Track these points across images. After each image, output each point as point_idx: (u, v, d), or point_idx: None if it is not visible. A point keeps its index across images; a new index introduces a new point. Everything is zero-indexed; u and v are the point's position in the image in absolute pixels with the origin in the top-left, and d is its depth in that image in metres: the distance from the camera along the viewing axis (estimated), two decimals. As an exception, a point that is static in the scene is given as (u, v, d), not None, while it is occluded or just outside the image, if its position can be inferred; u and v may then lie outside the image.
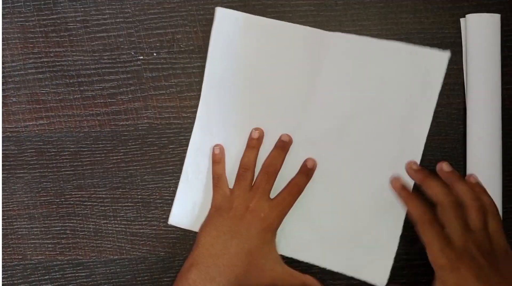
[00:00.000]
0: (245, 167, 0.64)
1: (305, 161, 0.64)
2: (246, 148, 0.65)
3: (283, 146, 0.64)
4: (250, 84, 0.65)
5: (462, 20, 0.63)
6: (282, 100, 0.65)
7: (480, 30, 0.62)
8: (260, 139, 0.65)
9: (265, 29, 0.65)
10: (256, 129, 0.64)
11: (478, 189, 0.59)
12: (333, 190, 0.65)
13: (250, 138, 0.65)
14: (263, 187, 0.63)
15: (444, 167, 0.61)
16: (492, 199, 0.58)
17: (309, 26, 0.64)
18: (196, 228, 0.65)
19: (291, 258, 0.65)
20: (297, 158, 0.65)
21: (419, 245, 0.58)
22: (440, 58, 0.63)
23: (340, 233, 0.64)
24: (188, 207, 0.66)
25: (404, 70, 0.63)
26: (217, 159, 0.65)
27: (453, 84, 0.64)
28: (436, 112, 0.64)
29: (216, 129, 0.66)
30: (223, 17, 0.65)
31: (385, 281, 0.63)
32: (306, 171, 0.64)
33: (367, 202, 0.64)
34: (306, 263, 0.65)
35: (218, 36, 0.65)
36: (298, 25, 0.64)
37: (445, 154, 0.65)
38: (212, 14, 0.65)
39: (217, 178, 0.65)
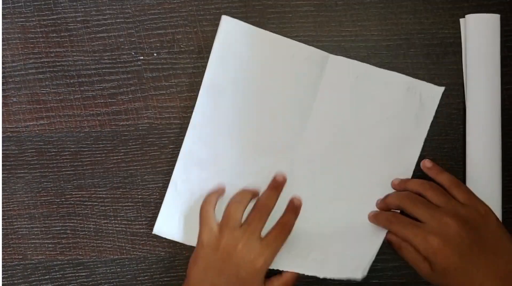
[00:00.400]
0: (240, 201, 0.63)
1: (291, 200, 0.64)
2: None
3: (277, 186, 0.64)
4: (249, 97, 0.65)
5: (461, 20, 0.64)
6: (278, 117, 0.65)
7: (479, 30, 0.62)
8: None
9: (269, 44, 0.65)
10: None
11: (434, 171, 0.61)
12: (323, 207, 0.65)
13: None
14: (254, 226, 0.60)
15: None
16: (450, 177, 0.60)
17: (309, 26, 0.65)
18: (181, 240, 0.65)
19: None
20: (291, 176, 0.65)
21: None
22: (435, 92, 0.63)
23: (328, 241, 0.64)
24: (175, 217, 0.65)
25: (400, 100, 0.64)
26: (209, 200, 0.63)
27: (453, 84, 0.64)
28: (436, 112, 0.64)
29: (209, 140, 0.65)
30: (228, 26, 0.64)
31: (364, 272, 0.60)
32: (294, 209, 0.64)
33: (355, 220, 0.64)
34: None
35: (220, 45, 0.64)
36: (301, 44, 0.64)
37: (445, 154, 0.65)
38: (212, 14, 0.65)
39: (205, 212, 0.62)
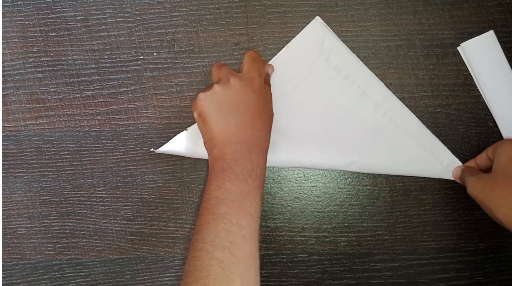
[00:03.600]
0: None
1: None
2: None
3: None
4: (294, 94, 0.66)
5: (459, 48, 0.64)
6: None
7: (481, 54, 0.63)
8: None
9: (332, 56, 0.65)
10: None
11: None
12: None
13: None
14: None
15: None
16: None
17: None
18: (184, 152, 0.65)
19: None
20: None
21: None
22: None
23: None
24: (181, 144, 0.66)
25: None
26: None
27: (452, 85, 0.64)
28: (435, 113, 0.65)
29: None
30: (316, 27, 0.65)
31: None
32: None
33: None
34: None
35: (300, 40, 0.66)
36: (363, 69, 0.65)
37: (445, 154, 0.65)
38: (212, 14, 0.65)
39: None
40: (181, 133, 0.65)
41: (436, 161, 0.64)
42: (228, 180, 0.53)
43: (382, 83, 0.65)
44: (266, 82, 0.63)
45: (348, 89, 0.65)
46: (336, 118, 0.65)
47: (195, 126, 0.65)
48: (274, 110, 0.62)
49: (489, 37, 0.63)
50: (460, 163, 0.64)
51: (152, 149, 0.66)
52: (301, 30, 0.65)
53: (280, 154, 0.65)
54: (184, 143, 0.65)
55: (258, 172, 0.55)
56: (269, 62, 0.65)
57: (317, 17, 0.65)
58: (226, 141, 0.56)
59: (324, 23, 0.65)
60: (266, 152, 0.58)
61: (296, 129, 0.65)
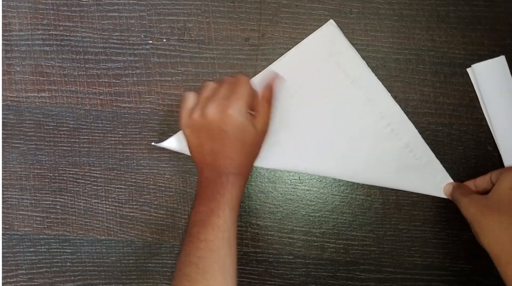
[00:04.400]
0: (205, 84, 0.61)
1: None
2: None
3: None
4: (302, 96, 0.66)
5: (469, 70, 0.64)
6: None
7: (490, 78, 0.63)
8: None
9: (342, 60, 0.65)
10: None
11: None
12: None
13: None
14: (222, 91, 0.59)
15: None
16: None
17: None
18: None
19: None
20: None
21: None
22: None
23: None
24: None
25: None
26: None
27: (457, 105, 0.64)
28: (436, 131, 0.65)
29: None
30: (329, 29, 0.65)
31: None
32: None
33: None
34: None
35: (310, 42, 0.65)
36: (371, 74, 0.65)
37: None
38: (226, 7, 0.65)
39: (186, 97, 0.61)
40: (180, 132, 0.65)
41: (429, 176, 0.65)
42: (201, 204, 0.57)
43: (389, 94, 0.65)
44: (257, 105, 0.61)
45: (353, 95, 0.65)
46: (337, 123, 0.65)
47: None
48: (276, 108, 0.62)
49: (500, 61, 0.63)
50: (451, 180, 0.64)
51: (153, 143, 0.65)
52: (312, 32, 0.65)
53: (278, 155, 0.65)
54: (184, 143, 0.64)
55: (229, 188, 0.57)
56: (277, 60, 0.65)
57: (331, 20, 0.65)
58: (202, 168, 0.59)
59: (338, 27, 0.65)
60: (242, 177, 0.59)
61: (297, 130, 0.65)
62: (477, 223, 0.56)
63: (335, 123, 0.65)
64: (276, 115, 0.63)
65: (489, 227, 0.55)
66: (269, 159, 0.64)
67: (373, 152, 0.65)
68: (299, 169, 0.65)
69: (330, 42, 0.65)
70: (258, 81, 0.64)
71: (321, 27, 0.65)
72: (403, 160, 0.65)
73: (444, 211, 0.65)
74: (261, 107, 0.60)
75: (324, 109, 0.65)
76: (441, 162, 0.64)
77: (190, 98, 0.60)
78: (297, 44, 0.65)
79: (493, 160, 0.65)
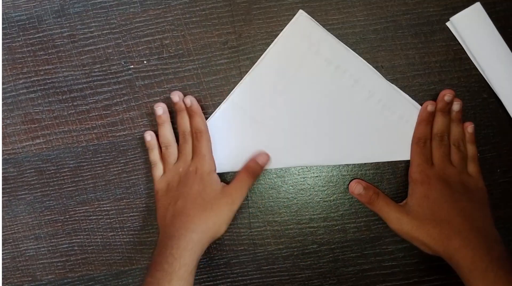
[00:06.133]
0: (166, 143, 0.65)
1: (185, 102, 0.65)
2: (158, 126, 0.65)
3: (180, 107, 0.65)
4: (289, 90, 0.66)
5: (448, 24, 0.64)
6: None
7: (471, 26, 0.64)
8: (166, 113, 0.65)
9: (322, 46, 0.65)
10: (157, 105, 0.65)
11: (469, 138, 0.64)
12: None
13: (157, 117, 0.65)
14: (185, 149, 0.64)
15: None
16: (476, 150, 0.64)
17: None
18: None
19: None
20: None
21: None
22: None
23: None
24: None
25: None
26: (151, 146, 0.65)
27: (443, 61, 0.65)
28: (429, 91, 0.65)
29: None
30: (301, 21, 0.65)
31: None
32: (193, 111, 0.64)
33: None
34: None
35: (286, 35, 0.66)
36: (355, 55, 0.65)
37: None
38: (198, 16, 0.65)
39: (153, 163, 0.65)
40: None
41: None
42: (150, 274, 0.58)
43: (374, 69, 0.65)
44: (237, 173, 0.64)
45: (340, 79, 0.65)
46: (331, 111, 0.65)
47: None
48: (268, 108, 0.64)
49: (477, 8, 0.63)
50: None
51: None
52: (287, 23, 0.65)
53: (280, 154, 0.65)
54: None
55: (178, 255, 0.58)
56: (258, 61, 0.65)
57: (301, 11, 0.65)
58: (160, 231, 0.62)
59: (309, 16, 0.65)
60: (197, 236, 0.59)
61: (292, 126, 0.65)
62: (415, 238, 0.60)
63: (328, 112, 0.65)
64: (269, 115, 0.64)
65: (427, 235, 0.59)
66: (272, 159, 0.65)
67: (371, 130, 0.65)
68: (303, 163, 0.65)
69: (305, 33, 0.65)
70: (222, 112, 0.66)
71: (292, 20, 0.65)
72: (401, 131, 0.65)
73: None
74: (239, 175, 0.63)
75: (315, 101, 0.65)
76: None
77: (157, 166, 0.65)
78: (274, 37, 0.65)
79: (490, 106, 0.65)
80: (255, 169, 0.64)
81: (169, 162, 0.64)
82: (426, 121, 0.63)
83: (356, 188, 0.64)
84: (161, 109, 0.64)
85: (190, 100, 0.64)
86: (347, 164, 0.66)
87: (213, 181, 0.62)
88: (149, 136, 0.65)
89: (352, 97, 0.65)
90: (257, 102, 0.66)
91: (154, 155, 0.65)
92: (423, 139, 0.63)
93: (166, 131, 0.65)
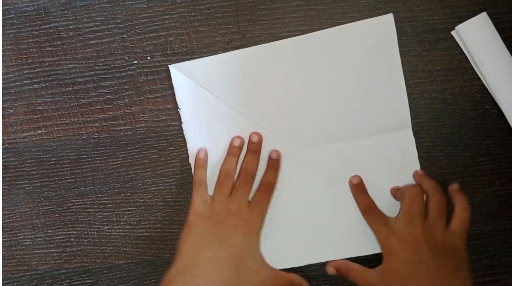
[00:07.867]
0: (226, 173, 0.64)
1: (270, 154, 0.65)
2: (226, 155, 0.65)
3: (255, 148, 0.65)
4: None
5: (453, 32, 0.64)
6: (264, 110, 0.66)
7: (476, 36, 0.63)
8: (241, 147, 0.65)
9: (223, 63, 0.66)
10: (237, 137, 0.65)
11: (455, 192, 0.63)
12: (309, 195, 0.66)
13: (231, 146, 0.65)
14: (242, 190, 0.63)
15: (418, 172, 0.64)
16: (466, 201, 0.62)
17: (300, 20, 0.65)
18: None
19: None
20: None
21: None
22: (386, 22, 0.64)
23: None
24: None
25: (358, 48, 0.65)
26: (201, 164, 0.65)
27: (446, 69, 0.64)
28: (431, 99, 0.65)
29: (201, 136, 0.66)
30: (178, 73, 0.66)
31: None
32: (274, 164, 0.65)
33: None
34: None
35: (181, 91, 0.66)
36: (245, 50, 0.65)
37: (443, 139, 0.65)
38: (203, 15, 0.65)
39: (199, 183, 0.64)
40: None
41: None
42: None
43: (406, 96, 0.65)
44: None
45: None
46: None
47: None
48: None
49: (483, 18, 0.63)
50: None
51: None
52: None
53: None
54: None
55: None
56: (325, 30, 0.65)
57: (391, 14, 0.64)
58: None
59: (393, 22, 0.64)
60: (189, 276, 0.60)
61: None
62: None
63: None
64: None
65: None
66: None
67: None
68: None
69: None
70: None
71: (378, 17, 0.64)
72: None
73: (453, 177, 0.65)
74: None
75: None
76: (441, 129, 0.65)
77: (202, 187, 0.64)
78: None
79: (492, 117, 0.65)
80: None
81: (222, 192, 0.64)
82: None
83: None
84: (239, 141, 0.65)
85: (277, 154, 0.65)
86: None
87: (259, 250, 0.63)
88: (203, 153, 0.65)
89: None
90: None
91: (203, 174, 0.65)
92: (374, 206, 0.64)
93: (234, 163, 0.65)
